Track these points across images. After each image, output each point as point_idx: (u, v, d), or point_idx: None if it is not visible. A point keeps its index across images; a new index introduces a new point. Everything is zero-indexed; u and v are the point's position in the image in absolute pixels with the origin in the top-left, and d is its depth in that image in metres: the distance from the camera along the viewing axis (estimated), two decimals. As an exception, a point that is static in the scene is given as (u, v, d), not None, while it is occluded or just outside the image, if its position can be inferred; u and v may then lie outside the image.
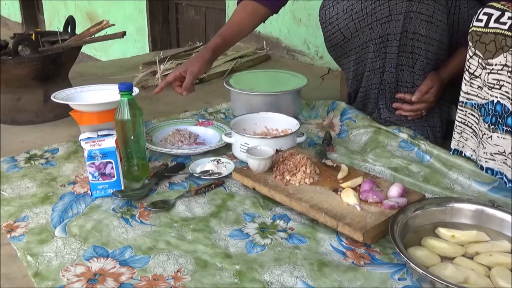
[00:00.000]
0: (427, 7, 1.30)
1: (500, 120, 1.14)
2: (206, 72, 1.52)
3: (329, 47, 1.56)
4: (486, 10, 1.14)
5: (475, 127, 1.24)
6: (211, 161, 1.31)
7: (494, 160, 1.19)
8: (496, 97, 1.14)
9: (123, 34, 1.75)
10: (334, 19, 1.44)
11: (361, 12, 1.37)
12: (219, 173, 1.25)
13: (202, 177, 1.25)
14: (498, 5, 1.12)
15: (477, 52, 1.17)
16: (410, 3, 1.30)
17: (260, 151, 1.22)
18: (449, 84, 1.43)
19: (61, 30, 1.90)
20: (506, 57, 1.10)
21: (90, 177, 1.15)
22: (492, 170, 1.21)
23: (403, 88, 1.43)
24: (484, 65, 1.15)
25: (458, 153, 1.31)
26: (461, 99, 1.26)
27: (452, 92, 1.43)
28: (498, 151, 1.17)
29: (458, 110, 1.27)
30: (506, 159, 1.16)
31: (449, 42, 1.39)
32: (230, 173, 1.23)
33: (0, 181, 1.25)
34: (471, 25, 1.17)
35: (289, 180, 1.15)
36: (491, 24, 1.12)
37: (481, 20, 1.14)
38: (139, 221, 1.09)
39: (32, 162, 1.36)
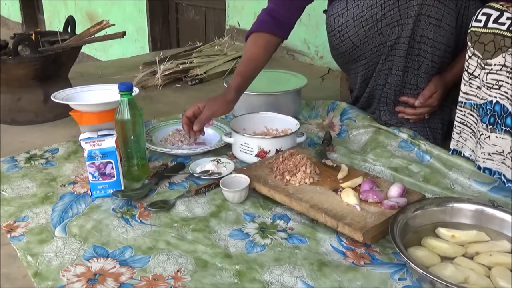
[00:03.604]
0: (437, 11, 1.29)
1: (499, 120, 1.14)
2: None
3: (336, 54, 1.54)
4: (485, 10, 1.14)
5: (474, 127, 1.24)
6: (211, 161, 1.31)
7: (492, 160, 1.19)
8: (495, 97, 1.14)
9: (123, 34, 1.75)
10: (343, 27, 1.42)
11: (371, 18, 1.36)
12: (219, 173, 1.25)
13: (202, 177, 1.25)
14: (497, 6, 1.12)
15: (476, 52, 1.17)
16: (420, 7, 1.29)
17: (235, 181, 1.17)
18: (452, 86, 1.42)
19: (61, 30, 1.91)
20: (504, 57, 1.10)
21: (90, 177, 1.15)
22: (490, 170, 1.21)
23: (406, 90, 1.42)
24: (483, 65, 1.15)
25: (457, 153, 1.31)
26: (460, 99, 1.26)
27: (454, 93, 1.42)
28: (497, 151, 1.17)
29: (457, 110, 1.27)
30: (504, 159, 1.16)
31: (455, 44, 1.38)
32: (230, 173, 1.24)
33: (0, 181, 1.25)
34: (470, 25, 1.17)
35: (289, 180, 1.15)
36: (490, 24, 1.12)
37: (480, 21, 1.14)
38: (139, 221, 1.09)
39: (32, 162, 1.36)
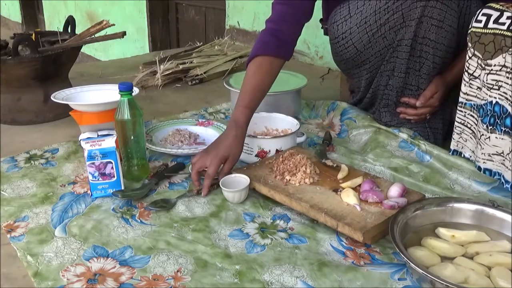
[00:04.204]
0: (439, 12, 1.29)
1: (499, 121, 1.14)
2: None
3: (339, 60, 1.53)
4: (485, 10, 1.14)
5: (474, 128, 1.24)
6: (211, 161, 1.30)
7: (492, 161, 1.19)
8: (495, 97, 1.14)
9: (123, 34, 1.75)
10: (347, 33, 1.42)
11: (375, 23, 1.35)
12: (219, 173, 1.25)
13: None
14: (497, 6, 1.12)
15: (476, 52, 1.17)
16: (423, 9, 1.29)
17: (235, 181, 1.17)
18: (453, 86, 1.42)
19: (61, 30, 1.91)
20: (505, 58, 1.10)
21: (90, 177, 1.15)
22: (490, 171, 1.21)
23: (407, 91, 1.42)
24: (483, 65, 1.15)
25: (457, 154, 1.31)
26: (460, 99, 1.26)
27: (455, 93, 1.42)
28: (496, 152, 1.17)
29: (457, 111, 1.27)
30: (504, 160, 1.16)
31: (457, 45, 1.38)
32: (230, 173, 1.23)
33: (0, 181, 1.25)
34: (470, 26, 1.17)
35: (289, 180, 1.15)
36: (490, 24, 1.12)
37: (480, 21, 1.14)
38: (139, 221, 1.09)
39: (32, 162, 1.36)
